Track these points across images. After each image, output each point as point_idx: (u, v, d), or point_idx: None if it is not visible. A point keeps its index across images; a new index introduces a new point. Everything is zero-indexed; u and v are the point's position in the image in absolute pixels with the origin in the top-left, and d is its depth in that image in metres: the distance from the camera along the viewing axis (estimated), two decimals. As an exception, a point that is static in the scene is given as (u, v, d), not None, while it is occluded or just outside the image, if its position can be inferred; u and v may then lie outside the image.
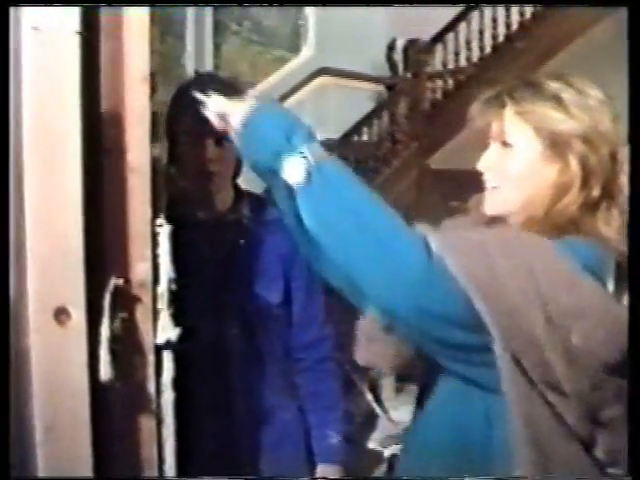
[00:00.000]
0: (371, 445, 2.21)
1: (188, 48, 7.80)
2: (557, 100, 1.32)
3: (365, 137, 7.89)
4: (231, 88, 1.76)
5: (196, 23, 7.85)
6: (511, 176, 1.35)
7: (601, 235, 1.28)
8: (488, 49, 7.60)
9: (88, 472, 1.20)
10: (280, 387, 1.95)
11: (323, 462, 2.00)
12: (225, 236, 1.95)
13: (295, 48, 8.57)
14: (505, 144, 1.36)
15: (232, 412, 1.87)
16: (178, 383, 1.33)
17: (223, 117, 1.35)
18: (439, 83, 7.94)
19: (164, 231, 1.25)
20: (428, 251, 1.15)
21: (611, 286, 1.24)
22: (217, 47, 8.06)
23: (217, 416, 1.86)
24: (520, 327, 1.13)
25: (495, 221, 1.39)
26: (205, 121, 1.44)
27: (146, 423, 1.29)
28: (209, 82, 1.77)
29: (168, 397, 1.32)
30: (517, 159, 1.34)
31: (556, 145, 1.31)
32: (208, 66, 7.74)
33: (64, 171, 1.13)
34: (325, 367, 2.03)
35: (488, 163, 1.38)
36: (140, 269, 1.22)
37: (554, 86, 1.34)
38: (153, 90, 1.28)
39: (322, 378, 2.03)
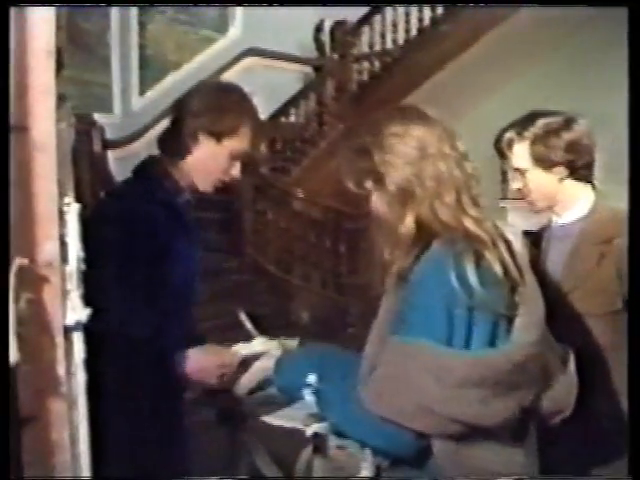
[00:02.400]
0: (292, 424, 2.21)
1: (112, 26, 7.61)
2: (365, 151, 1.67)
3: (292, 118, 7.88)
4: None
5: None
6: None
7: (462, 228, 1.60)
8: (414, 31, 7.66)
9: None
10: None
11: None
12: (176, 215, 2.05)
13: (222, 28, 8.44)
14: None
15: (145, 393, 1.86)
16: (90, 365, 1.31)
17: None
18: (365, 65, 7.99)
19: (72, 210, 1.22)
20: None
21: (473, 277, 1.54)
22: (142, 26, 7.88)
23: (130, 398, 1.84)
24: None
25: None
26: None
27: (56, 406, 1.27)
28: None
29: (79, 379, 1.30)
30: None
31: (380, 181, 1.66)
32: (133, 44, 7.58)
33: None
34: None
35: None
36: (47, 249, 1.19)
37: (368, 140, 1.68)
38: (60, 66, 1.25)
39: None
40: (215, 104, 2.00)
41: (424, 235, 1.61)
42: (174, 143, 2.01)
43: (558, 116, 2.25)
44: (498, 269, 1.58)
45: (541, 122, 2.23)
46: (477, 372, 1.50)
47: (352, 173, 1.71)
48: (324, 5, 7.55)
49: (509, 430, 1.59)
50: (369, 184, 1.69)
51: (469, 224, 1.60)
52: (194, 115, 1.98)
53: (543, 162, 2.22)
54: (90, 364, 1.32)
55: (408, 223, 1.62)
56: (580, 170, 2.24)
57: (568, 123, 2.23)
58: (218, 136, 1.98)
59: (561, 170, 2.22)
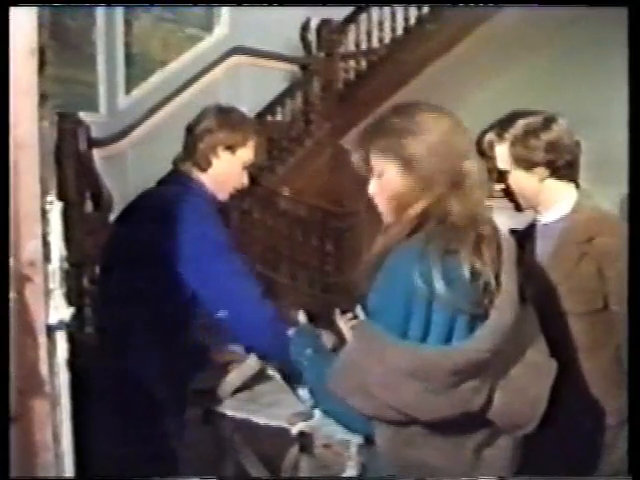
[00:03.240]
0: (278, 423, 2.21)
1: (98, 24, 7.56)
2: (400, 132, 1.70)
3: (279, 117, 7.85)
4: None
5: (106, -2, 7.61)
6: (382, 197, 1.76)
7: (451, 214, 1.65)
8: (400, 30, 7.66)
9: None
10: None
11: None
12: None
13: (208, 27, 8.40)
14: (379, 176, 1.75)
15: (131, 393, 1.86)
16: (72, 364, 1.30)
17: None
18: (352, 63, 7.98)
19: (55, 209, 1.21)
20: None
21: (438, 279, 1.57)
22: (128, 24, 7.84)
23: (115, 398, 1.84)
24: None
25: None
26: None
27: (39, 406, 1.26)
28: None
29: (63, 378, 1.29)
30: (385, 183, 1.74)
31: (407, 165, 1.69)
32: (119, 43, 7.54)
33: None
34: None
35: (371, 192, 1.78)
36: (29, 248, 1.18)
37: (396, 121, 1.72)
38: (43, 64, 1.24)
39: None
40: (226, 121, 2.26)
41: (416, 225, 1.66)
42: (194, 159, 2.25)
43: (538, 116, 2.24)
44: (466, 271, 1.60)
45: (520, 123, 2.22)
46: (411, 364, 1.55)
47: (368, 150, 1.74)
48: (310, 5, 7.54)
49: (455, 429, 1.62)
50: (385, 165, 1.72)
51: (454, 218, 1.64)
52: (211, 132, 2.23)
53: (523, 163, 2.21)
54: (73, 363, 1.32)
55: (418, 207, 1.67)
56: (561, 170, 2.23)
57: (547, 123, 2.22)
58: (233, 148, 2.24)
59: (542, 170, 2.22)
